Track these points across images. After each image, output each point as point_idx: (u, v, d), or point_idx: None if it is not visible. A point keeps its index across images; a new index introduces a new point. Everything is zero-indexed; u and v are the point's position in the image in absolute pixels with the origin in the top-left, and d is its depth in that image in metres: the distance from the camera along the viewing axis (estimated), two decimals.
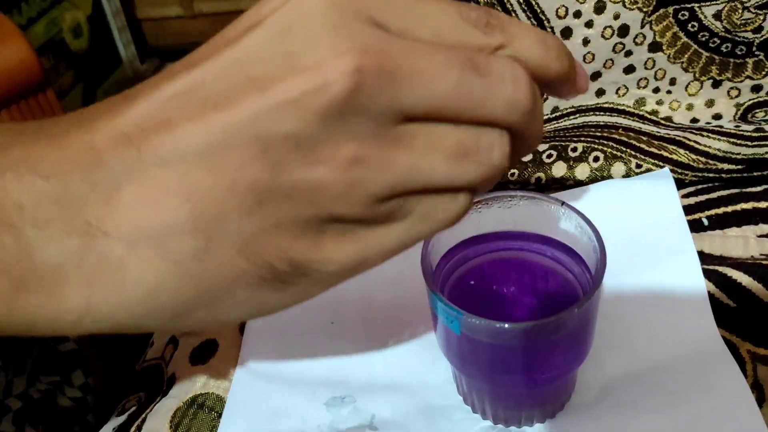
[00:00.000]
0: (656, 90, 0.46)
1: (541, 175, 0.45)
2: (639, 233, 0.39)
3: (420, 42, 0.19)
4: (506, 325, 0.27)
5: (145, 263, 0.19)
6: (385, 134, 0.19)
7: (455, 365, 0.33)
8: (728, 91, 0.45)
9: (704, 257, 0.39)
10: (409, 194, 0.20)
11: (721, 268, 0.37)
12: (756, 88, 0.44)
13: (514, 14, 0.44)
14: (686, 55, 0.44)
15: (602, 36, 0.44)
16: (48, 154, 0.19)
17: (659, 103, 0.46)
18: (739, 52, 0.43)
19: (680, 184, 0.43)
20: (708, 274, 0.37)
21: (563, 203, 0.32)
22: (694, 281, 0.37)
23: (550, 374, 0.31)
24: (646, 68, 0.45)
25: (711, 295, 0.36)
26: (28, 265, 0.19)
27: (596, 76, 0.46)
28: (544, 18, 0.44)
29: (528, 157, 0.45)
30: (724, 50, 0.43)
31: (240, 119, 0.18)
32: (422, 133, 0.19)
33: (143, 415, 0.36)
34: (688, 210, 0.41)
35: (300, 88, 0.18)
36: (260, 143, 0.18)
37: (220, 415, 0.35)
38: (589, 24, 0.44)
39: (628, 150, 0.44)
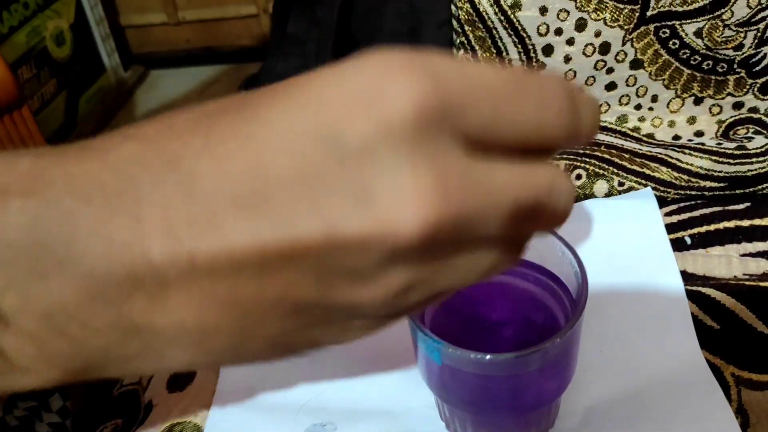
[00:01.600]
0: (638, 107, 0.46)
1: None
2: (622, 254, 0.39)
3: (499, 168, 0.18)
4: (488, 356, 0.27)
5: (183, 353, 0.20)
6: (444, 262, 0.19)
7: (437, 394, 0.32)
8: (710, 108, 0.45)
9: (687, 277, 0.38)
10: None
11: (704, 290, 0.37)
12: (737, 105, 0.44)
13: (495, 32, 0.44)
14: (668, 73, 0.44)
15: (584, 53, 0.44)
16: (92, 245, 0.18)
17: (641, 119, 0.46)
18: (720, 70, 0.43)
19: (663, 201, 0.43)
20: (691, 296, 0.37)
21: None
22: (678, 303, 0.36)
23: (533, 402, 0.31)
24: (627, 85, 0.45)
25: (695, 317, 0.36)
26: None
27: None
28: (525, 35, 0.43)
29: None
30: (706, 67, 0.43)
31: (296, 249, 0.17)
32: (467, 258, 0.19)
33: None
34: (671, 228, 0.41)
35: (368, 230, 0.17)
36: (316, 270, 0.18)
37: None
38: (570, 41, 0.43)
39: (611, 168, 0.44)
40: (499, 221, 0.18)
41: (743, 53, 0.42)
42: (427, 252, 0.18)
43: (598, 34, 0.43)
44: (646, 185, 0.43)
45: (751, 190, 0.43)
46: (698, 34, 0.42)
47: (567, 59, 0.44)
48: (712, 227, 0.41)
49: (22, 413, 0.44)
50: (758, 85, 0.44)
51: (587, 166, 0.44)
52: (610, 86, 0.45)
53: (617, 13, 0.42)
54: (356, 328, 0.21)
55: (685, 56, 0.43)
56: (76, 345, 0.19)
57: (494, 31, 0.44)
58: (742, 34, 0.42)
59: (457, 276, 0.20)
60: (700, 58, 0.43)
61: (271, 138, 0.18)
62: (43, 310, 0.18)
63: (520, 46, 0.44)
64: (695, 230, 0.41)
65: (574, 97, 0.20)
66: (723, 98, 0.44)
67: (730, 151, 0.43)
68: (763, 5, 0.41)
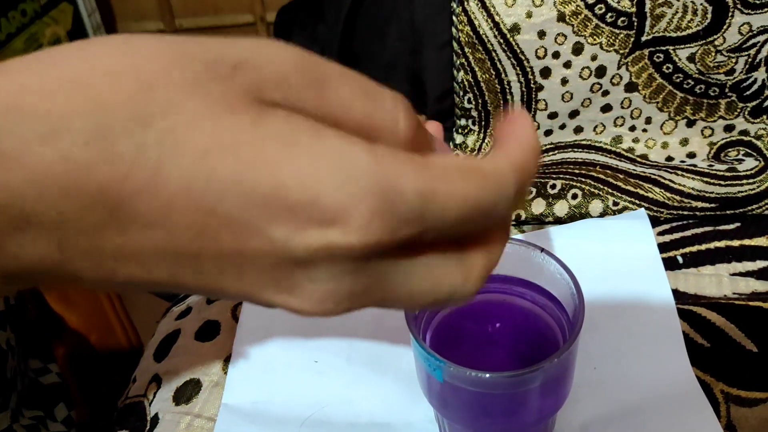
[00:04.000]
0: (632, 128, 0.47)
1: (521, 212, 0.46)
2: (616, 272, 0.40)
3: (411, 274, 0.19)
4: (487, 375, 0.28)
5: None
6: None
7: (437, 409, 0.33)
8: (702, 131, 0.46)
9: (679, 296, 0.40)
10: None
11: (695, 308, 0.38)
12: (728, 128, 0.46)
13: (494, 54, 0.45)
14: (661, 96, 0.45)
15: (580, 76, 0.45)
16: None
17: (635, 140, 0.47)
18: (712, 93, 0.45)
19: (656, 221, 0.44)
20: (683, 314, 0.38)
21: (543, 250, 0.33)
22: (670, 321, 0.38)
23: (531, 418, 0.32)
24: (622, 107, 0.46)
25: (686, 335, 0.37)
26: None
27: (574, 114, 0.47)
28: (524, 58, 0.45)
29: None
30: (698, 91, 0.45)
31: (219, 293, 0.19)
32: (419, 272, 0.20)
33: None
34: (663, 247, 0.42)
35: (277, 304, 0.18)
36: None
37: None
38: (567, 64, 0.45)
39: (606, 188, 0.45)
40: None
41: (734, 78, 0.44)
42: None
43: (594, 58, 0.44)
44: (640, 205, 0.44)
45: (741, 210, 0.44)
46: (691, 59, 0.44)
47: (564, 81, 0.45)
48: (703, 247, 0.42)
49: (28, 422, 0.45)
50: (749, 109, 0.45)
51: (583, 186, 0.45)
52: (606, 108, 0.46)
53: (613, 37, 0.43)
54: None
55: (678, 80, 0.44)
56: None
57: (494, 54, 0.45)
58: (734, 60, 0.43)
59: (404, 291, 0.20)
60: (692, 82, 0.44)
61: (231, 199, 0.17)
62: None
63: (518, 68, 0.45)
64: (687, 249, 0.42)
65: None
66: (715, 121, 0.46)
67: (721, 173, 0.44)
68: (754, 32, 0.42)
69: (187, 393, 0.39)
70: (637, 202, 0.44)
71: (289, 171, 0.16)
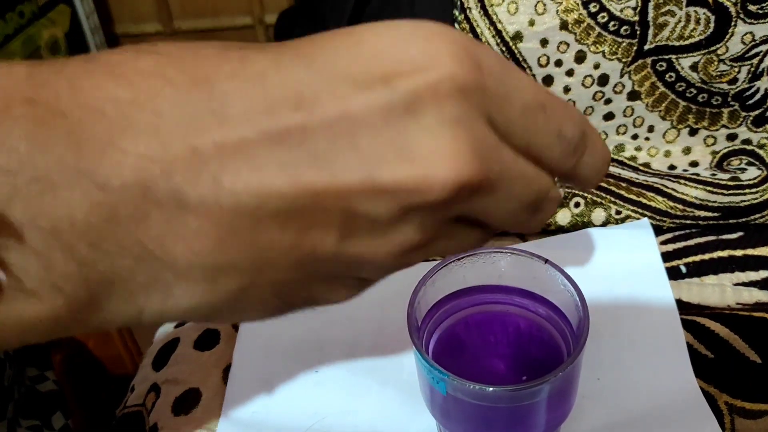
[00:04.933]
0: (635, 137, 0.47)
1: None
2: (619, 282, 0.40)
3: (519, 158, 0.20)
4: (491, 389, 0.28)
5: (191, 290, 0.19)
6: (447, 228, 0.20)
7: (440, 421, 0.33)
8: (704, 139, 0.46)
9: (682, 306, 0.39)
10: None
11: (699, 319, 0.38)
12: (731, 137, 0.46)
13: None
14: (664, 104, 0.45)
15: (583, 84, 0.45)
16: (107, 157, 0.17)
17: (638, 149, 0.47)
18: (715, 102, 0.44)
19: (658, 230, 0.44)
20: (686, 325, 0.38)
21: (546, 261, 0.33)
22: (673, 332, 0.37)
23: (535, 431, 0.31)
24: (625, 116, 0.46)
25: (689, 346, 0.37)
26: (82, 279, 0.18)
27: None
28: (526, 66, 0.45)
29: None
30: (701, 100, 0.45)
31: (335, 191, 0.17)
32: (466, 230, 0.21)
33: None
34: (666, 257, 0.42)
35: (402, 182, 0.18)
36: (343, 217, 0.18)
37: None
38: (570, 73, 0.44)
39: (608, 197, 0.45)
40: (512, 203, 0.20)
41: (737, 87, 0.44)
42: (447, 210, 0.19)
43: (597, 66, 0.44)
44: (642, 214, 0.44)
45: (744, 220, 0.44)
46: (694, 67, 0.43)
47: (566, 89, 0.45)
48: (706, 256, 0.42)
49: (26, 431, 0.44)
50: (751, 118, 0.45)
51: (585, 195, 0.45)
52: (608, 116, 0.46)
53: (616, 46, 0.43)
54: (348, 286, 0.22)
55: (681, 89, 0.44)
56: (84, 269, 0.17)
57: None
58: (737, 69, 0.43)
59: (452, 244, 0.21)
60: (695, 91, 0.44)
61: (316, 74, 0.17)
62: (52, 226, 0.17)
63: None
64: (690, 259, 0.42)
65: (587, 141, 0.21)
66: (717, 130, 0.45)
67: (724, 182, 0.44)
68: (757, 41, 0.42)
69: (186, 403, 0.38)
70: (639, 210, 0.44)
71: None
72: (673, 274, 0.41)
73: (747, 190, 0.44)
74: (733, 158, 0.46)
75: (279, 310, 0.22)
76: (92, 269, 0.18)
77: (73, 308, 0.18)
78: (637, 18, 0.42)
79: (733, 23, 0.42)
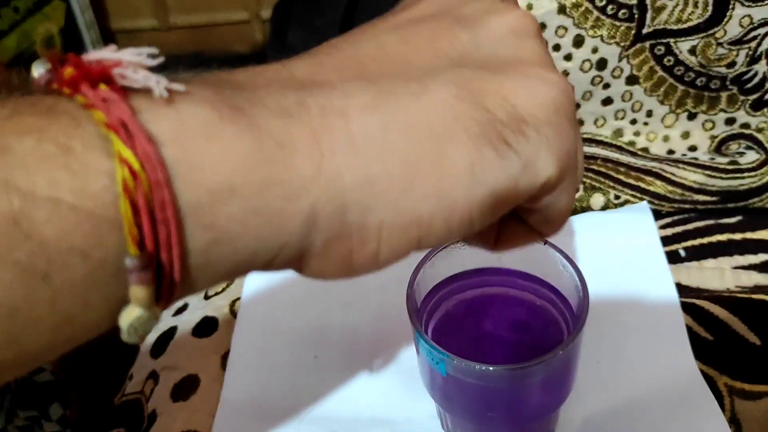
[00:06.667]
0: (633, 121, 0.47)
1: None
2: (618, 267, 0.40)
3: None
4: (491, 368, 0.28)
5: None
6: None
7: (440, 403, 0.33)
8: (703, 124, 0.46)
9: (682, 289, 0.39)
10: None
11: (698, 302, 0.38)
12: (729, 121, 0.45)
13: None
14: (662, 89, 0.45)
15: (581, 69, 0.45)
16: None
17: (636, 134, 0.47)
18: (713, 86, 0.44)
19: (657, 215, 0.44)
20: (686, 308, 0.38)
21: (546, 242, 0.32)
22: (673, 315, 0.37)
23: (534, 412, 0.31)
24: (623, 100, 0.46)
25: (689, 329, 0.37)
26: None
27: (575, 107, 0.47)
28: None
29: None
30: (699, 84, 0.44)
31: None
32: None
33: None
34: (665, 241, 0.42)
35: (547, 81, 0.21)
36: None
37: None
38: (568, 57, 0.44)
39: (607, 181, 0.45)
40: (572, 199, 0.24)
41: (735, 70, 0.44)
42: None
43: (595, 51, 0.44)
44: (641, 198, 0.44)
45: (742, 204, 0.44)
46: (692, 51, 0.43)
47: (565, 74, 0.45)
48: (705, 240, 0.42)
49: (23, 422, 0.44)
50: (750, 102, 0.45)
51: (584, 179, 0.45)
52: (607, 101, 0.46)
53: (614, 30, 0.43)
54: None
55: (679, 73, 0.44)
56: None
57: None
58: (735, 52, 0.43)
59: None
60: (693, 75, 0.44)
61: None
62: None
63: None
64: (689, 243, 0.42)
65: None
66: (716, 114, 0.45)
67: (723, 166, 0.44)
68: (755, 24, 0.42)
69: (185, 389, 0.38)
70: (638, 195, 0.44)
71: None
72: (673, 258, 0.41)
73: (746, 174, 0.44)
74: (731, 142, 0.46)
75: (480, 132, 0.20)
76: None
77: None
78: (635, 1, 0.42)
79: (731, 6, 0.42)
